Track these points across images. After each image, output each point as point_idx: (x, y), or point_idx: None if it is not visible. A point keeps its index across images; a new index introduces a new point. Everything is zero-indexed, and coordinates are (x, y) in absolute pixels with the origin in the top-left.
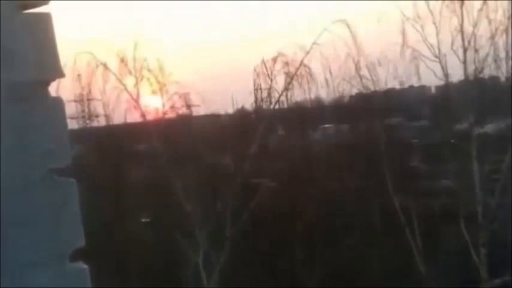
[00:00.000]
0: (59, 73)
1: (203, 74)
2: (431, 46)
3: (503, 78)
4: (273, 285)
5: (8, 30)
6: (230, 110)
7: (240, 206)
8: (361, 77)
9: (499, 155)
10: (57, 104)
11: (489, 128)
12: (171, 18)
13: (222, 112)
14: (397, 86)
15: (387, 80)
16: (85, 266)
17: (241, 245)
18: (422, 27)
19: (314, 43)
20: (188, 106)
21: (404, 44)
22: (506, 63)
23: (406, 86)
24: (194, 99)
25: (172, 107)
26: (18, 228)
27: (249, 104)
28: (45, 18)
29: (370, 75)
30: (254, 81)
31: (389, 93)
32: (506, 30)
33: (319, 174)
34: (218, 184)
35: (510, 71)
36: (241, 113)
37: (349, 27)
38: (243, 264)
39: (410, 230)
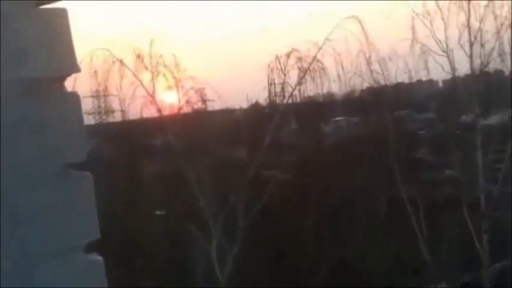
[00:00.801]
0: (74, 68)
1: (217, 70)
2: (440, 41)
3: (507, 72)
4: (286, 276)
5: (24, 25)
6: (244, 105)
7: (253, 197)
8: (372, 72)
9: (501, 146)
10: (73, 99)
11: (493, 119)
12: (184, 16)
13: (236, 107)
14: (406, 80)
15: (397, 74)
16: (100, 258)
17: (254, 236)
18: (431, 22)
19: (326, 39)
20: (203, 101)
21: (413, 39)
22: (511, 57)
23: (414, 80)
24: (209, 94)
25: (187, 102)
26: (34, 222)
27: (263, 98)
28: (61, 13)
29: (381, 70)
30: (268, 76)
31: (398, 87)
32: (511, 26)
33: (331, 165)
34: (232, 177)
35: None
36: (256, 108)
37: (360, 23)
38: (255, 255)
39: (416, 217)
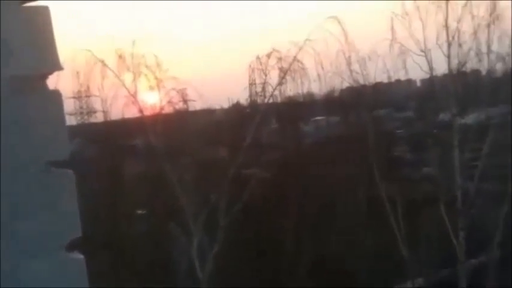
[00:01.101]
0: (56, 66)
1: (200, 71)
2: (418, 41)
3: (484, 72)
4: (266, 273)
5: (7, 23)
6: (226, 105)
7: (234, 197)
8: (351, 72)
9: (478, 144)
10: (55, 96)
11: (470, 118)
12: (168, 17)
13: (217, 107)
14: (385, 80)
15: (376, 74)
16: (81, 256)
17: (235, 235)
18: (409, 23)
19: (307, 39)
20: (185, 101)
21: (392, 39)
22: (488, 57)
23: (393, 80)
24: (191, 94)
25: (169, 102)
26: (17, 220)
27: (244, 99)
28: (43, 12)
29: (360, 70)
30: (249, 76)
31: (377, 86)
32: (488, 26)
33: (311, 164)
34: (213, 176)
35: (491, 65)
36: (237, 108)
37: (340, 24)
38: (236, 253)
39: (394, 215)
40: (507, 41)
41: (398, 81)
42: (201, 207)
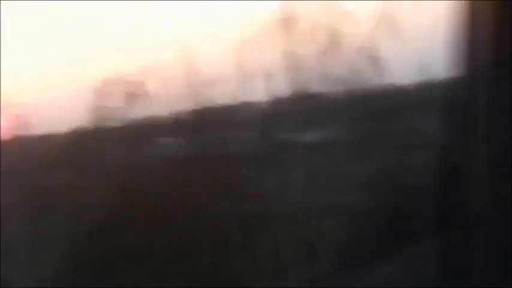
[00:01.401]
0: None
1: (39, 94)
2: (262, 65)
3: (325, 95)
4: None
5: None
6: (67, 130)
7: (75, 223)
8: (197, 94)
9: (318, 164)
10: None
11: (308, 138)
12: (10, 36)
13: (59, 131)
14: (232, 103)
15: (222, 97)
16: None
17: (78, 263)
18: (254, 46)
19: (154, 62)
20: (24, 127)
21: (238, 62)
22: (328, 80)
23: (238, 102)
24: (31, 119)
25: (8, 128)
26: None
27: (87, 122)
28: None
29: (206, 93)
30: (94, 99)
31: (224, 109)
32: (329, 50)
33: (155, 186)
34: (54, 203)
35: (331, 88)
36: (79, 132)
37: (187, 46)
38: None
39: (233, 236)
40: (346, 66)
41: (243, 103)
42: (40, 236)
